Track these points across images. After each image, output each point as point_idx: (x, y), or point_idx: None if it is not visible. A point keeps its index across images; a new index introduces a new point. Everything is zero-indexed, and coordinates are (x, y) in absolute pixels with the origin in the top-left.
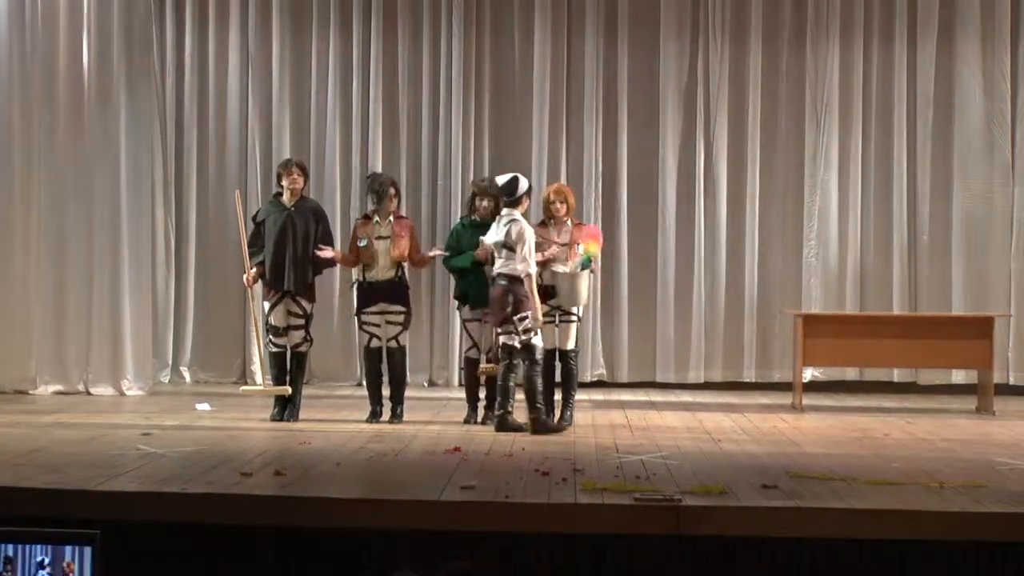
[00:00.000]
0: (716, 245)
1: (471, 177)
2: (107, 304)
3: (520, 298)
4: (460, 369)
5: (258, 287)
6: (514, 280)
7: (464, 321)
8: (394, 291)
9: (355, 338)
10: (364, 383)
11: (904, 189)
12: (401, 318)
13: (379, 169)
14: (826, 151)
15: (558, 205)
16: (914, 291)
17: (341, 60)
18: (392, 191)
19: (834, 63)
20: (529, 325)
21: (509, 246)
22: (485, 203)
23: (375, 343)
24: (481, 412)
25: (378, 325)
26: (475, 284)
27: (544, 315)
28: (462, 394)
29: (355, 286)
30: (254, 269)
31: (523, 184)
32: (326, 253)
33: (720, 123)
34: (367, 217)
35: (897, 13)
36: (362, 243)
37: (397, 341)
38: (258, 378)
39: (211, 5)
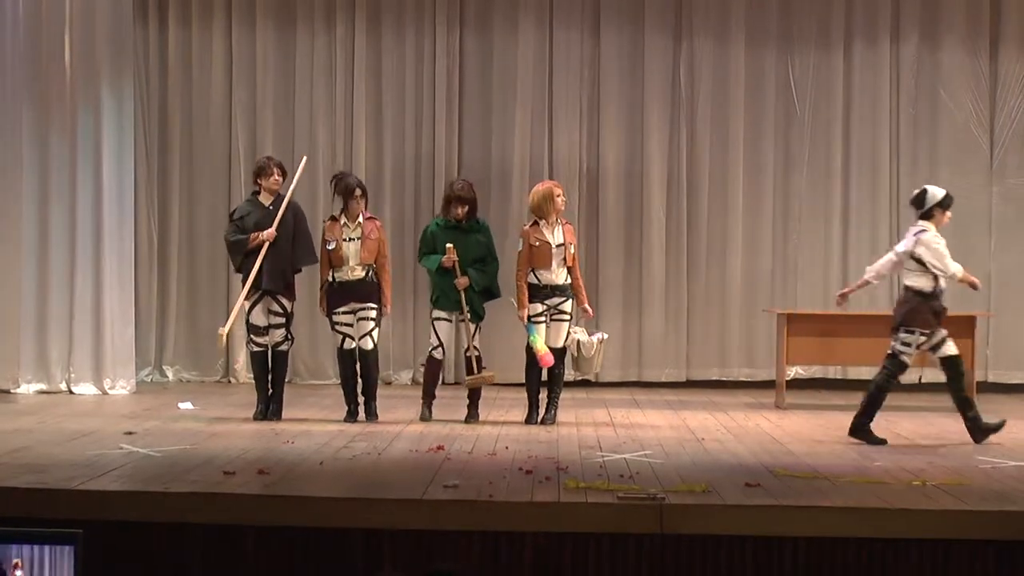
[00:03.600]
0: (700, 243)
1: (456, 173)
2: (90, 303)
3: (911, 313)
4: (420, 365)
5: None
6: (917, 294)
7: (434, 320)
8: (364, 290)
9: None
10: (340, 383)
11: (886, 188)
12: (373, 314)
13: (363, 166)
14: (809, 149)
15: (559, 201)
16: (896, 289)
17: (325, 58)
18: (359, 192)
19: (817, 61)
20: (906, 341)
21: (916, 258)
22: (460, 209)
23: (348, 344)
24: (433, 409)
25: (350, 325)
26: (441, 285)
27: (538, 314)
28: (447, 392)
29: (325, 287)
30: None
31: (934, 194)
32: (257, 240)
33: (704, 120)
34: (334, 219)
35: (879, 13)
36: (330, 246)
37: (371, 338)
38: (241, 376)
39: (194, 4)
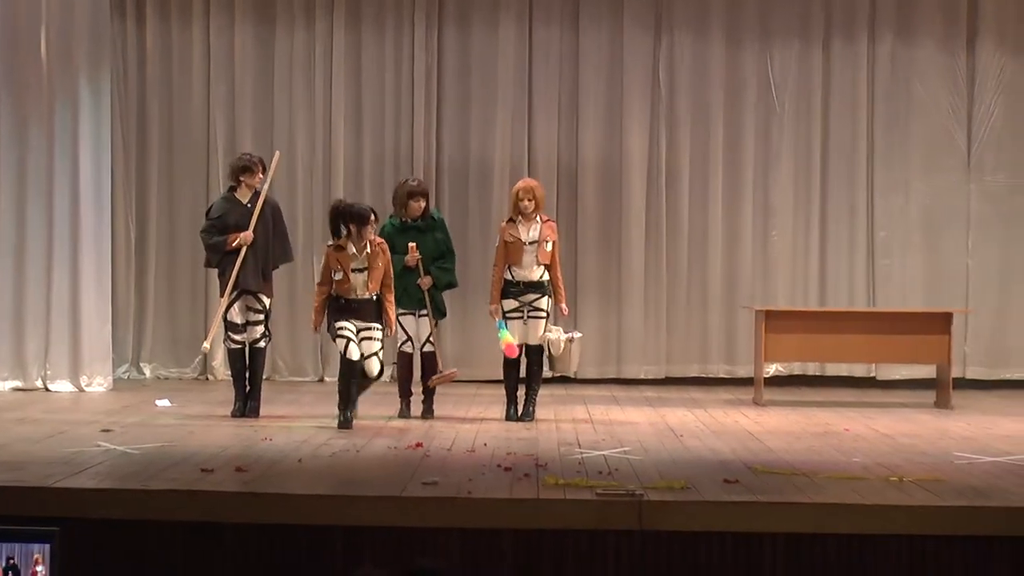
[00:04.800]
0: (679, 240)
1: (435, 169)
2: (66, 300)
3: None
4: (393, 363)
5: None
6: None
7: (398, 316)
8: (371, 311)
9: (318, 334)
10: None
11: (864, 185)
12: (378, 334)
13: (342, 162)
14: (787, 145)
15: (526, 203)
16: (872, 286)
17: (304, 54)
18: (374, 217)
19: (795, 57)
20: None
21: None
22: (418, 203)
23: (353, 351)
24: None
25: (353, 330)
26: (403, 284)
27: (513, 310)
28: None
29: (324, 304)
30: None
31: None
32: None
33: (683, 116)
34: (340, 247)
35: (857, 9)
36: (337, 276)
37: (378, 359)
38: (219, 373)
39: (173, 0)
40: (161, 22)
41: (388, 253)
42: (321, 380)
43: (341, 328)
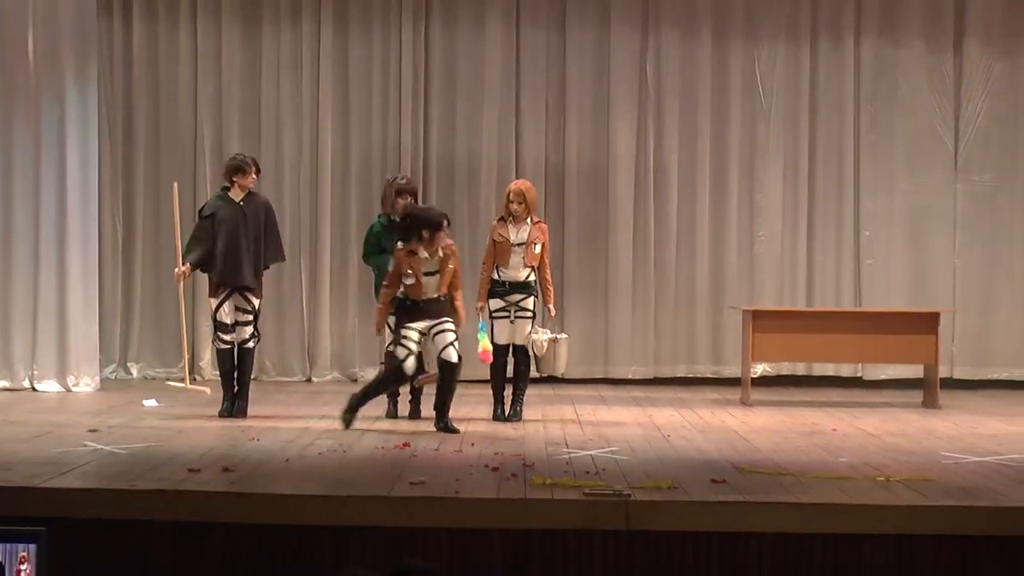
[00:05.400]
0: (667, 239)
1: (423, 169)
2: (53, 300)
3: None
4: (380, 363)
5: (200, 286)
6: None
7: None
8: (441, 308)
9: (306, 333)
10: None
11: (851, 184)
12: (450, 326)
13: (329, 162)
14: (774, 145)
15: (516, 206)
16: (859, 286)
17: (291, 54)
18: (447, 223)
19: (782, 57)
20: None
21: None
22: (409, 201)
23: (409, 367)
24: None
25: (417, 340)
26: None
27: (499, 310)
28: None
29: (390, 304)
30: (186, 265)
31: None
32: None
33: (671, 115)
34: (412, 252)
35: (844, 9)
36: (409, 281)
37: (455, 349)
38: (206, 374)
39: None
40: (148, 22)
41: (458, 255)
42: (308, 380)
43: (406, 338)
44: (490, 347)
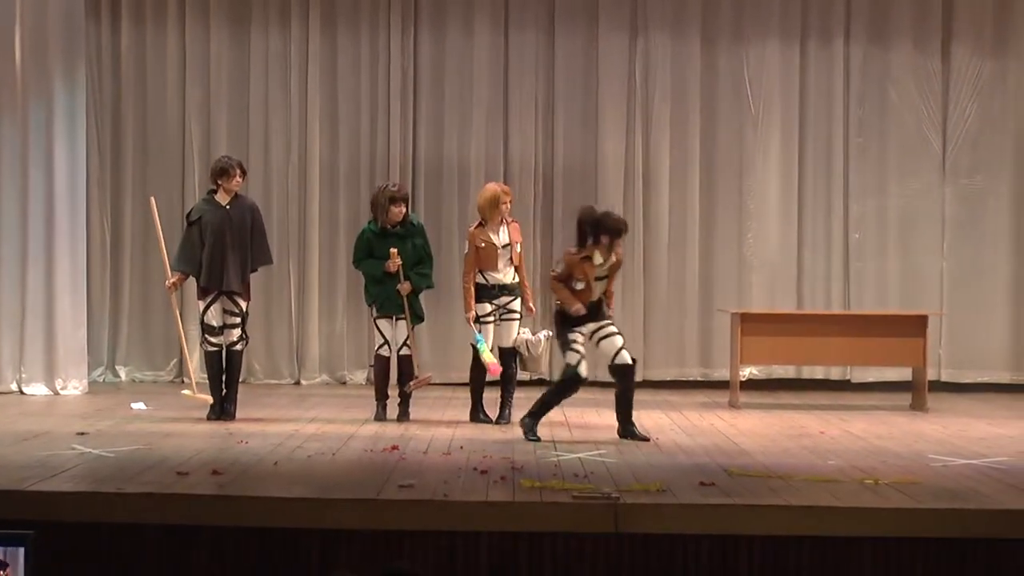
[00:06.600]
0: (656, 242)
1: (411, 172)
2: (41, 302)
3: None
4: (370, 366)
5: (190, 289)
6: None
7: (375, 319)
8: (603, 310)
9: (294, 336)
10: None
11: (840, 187)
12: (615, 328)
13: (318, 165)
14: (764, 148)
15: (508, 204)
16: (848, 289)
17: (279, 56)
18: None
19: (772, 60)
20: None
21: None
22: (400, 209)
23: (583, 370)
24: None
25: (584, 343)
26: (384, 290)
27: (486, 314)
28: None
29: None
30: (176, 275)
31: None
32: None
33: (660, 118)
34: (588, 257)
35: (833, 12)
36: (580, 286)
37: (627, 351)
38: (193, 377)
39: (148, 2)
40: (136, 25)
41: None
42: (297, 383)
43: (575, 342)
44: (494, 359)
